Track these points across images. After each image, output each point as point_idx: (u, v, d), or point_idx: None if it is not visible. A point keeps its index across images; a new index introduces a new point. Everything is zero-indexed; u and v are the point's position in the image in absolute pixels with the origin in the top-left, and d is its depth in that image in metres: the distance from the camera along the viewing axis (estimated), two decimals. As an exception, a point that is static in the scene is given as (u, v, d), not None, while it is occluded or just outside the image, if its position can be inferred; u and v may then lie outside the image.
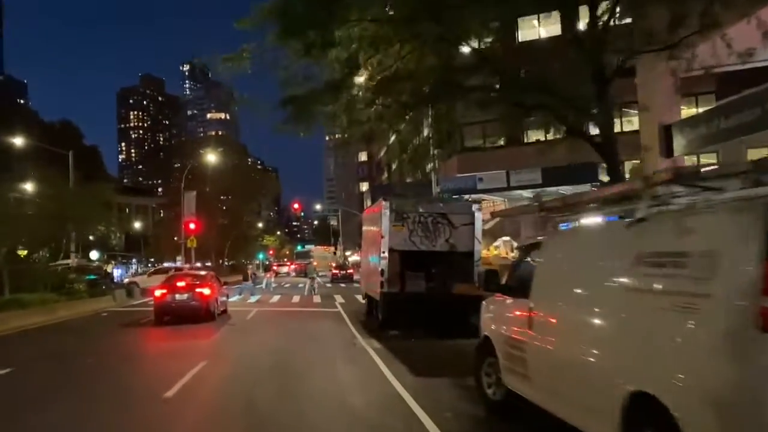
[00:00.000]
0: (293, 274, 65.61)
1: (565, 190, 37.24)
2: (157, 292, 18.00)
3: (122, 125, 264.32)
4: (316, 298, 27.96)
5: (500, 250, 16.27)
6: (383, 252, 14.41)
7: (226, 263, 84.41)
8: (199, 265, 47.56)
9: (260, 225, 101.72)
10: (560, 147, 38.47)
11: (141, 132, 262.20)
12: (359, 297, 27.54)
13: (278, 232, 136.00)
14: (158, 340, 15.15)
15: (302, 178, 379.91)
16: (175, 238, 49.29)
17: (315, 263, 44.17)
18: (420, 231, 14.60)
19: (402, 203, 14.82)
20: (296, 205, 51.24)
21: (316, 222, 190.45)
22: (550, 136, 41.37)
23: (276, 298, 28.88)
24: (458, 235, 14.65)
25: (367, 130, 14.33)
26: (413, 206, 14.59)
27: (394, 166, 71.16)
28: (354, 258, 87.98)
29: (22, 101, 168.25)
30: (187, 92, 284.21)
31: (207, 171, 61.78)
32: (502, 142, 43.28)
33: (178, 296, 17.77)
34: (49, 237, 33.31)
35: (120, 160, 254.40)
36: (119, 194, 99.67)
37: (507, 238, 16.42)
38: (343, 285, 42.30)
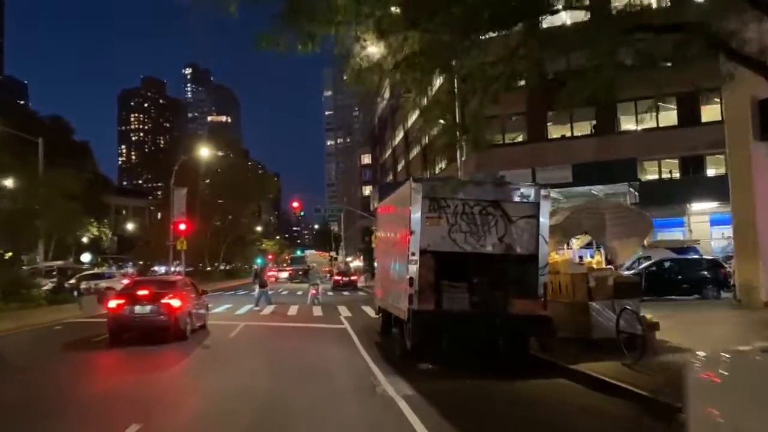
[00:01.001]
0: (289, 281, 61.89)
1: (598, 189, 33.36)
2: (112, 303, 13.93)
3: (123, 127, 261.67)
4: (317, 310, 23.86)
5: (564, 253, 12.13)
6: (412, 254, 10.33)
7: (222, 267, 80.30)
8: (175, 269, 43.42)
9: (259, 228, 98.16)
10: (590, 142, 34.22)
11: (141, 134, 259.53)
12: (367, 309, 23.45)
13: (277, 237, 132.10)
14: (95, 372, 10.95)
15: (303, 183, 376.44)
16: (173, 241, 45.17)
17: (317, 267, 39.99)
18: (464, 225, 10.54)
19: (439, 187, 10.75)
20: (295, 204, 46.48)
21: (316, 226, 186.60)
22: (577, 132, 37.34)
23: (270, 308, 24.77)
24: (516, 232, 10.59)
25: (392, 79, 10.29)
26: (454, 191, 10.51)
27: (400, 167, 67.19)
28: (356, 264, 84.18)
29: (22, 102, 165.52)
30: (189, 95, 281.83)
31: (201, 168, 57.77)
32: (521, 138, 39.23)
33: (138, 308, 13.70)
34: (16, 234, 29.35)
35: (120, 162, 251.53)
36: (116, 195, 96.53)
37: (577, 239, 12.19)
38: (346, 293, 38.23)
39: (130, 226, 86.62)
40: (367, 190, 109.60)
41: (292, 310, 24.00)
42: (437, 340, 10.55)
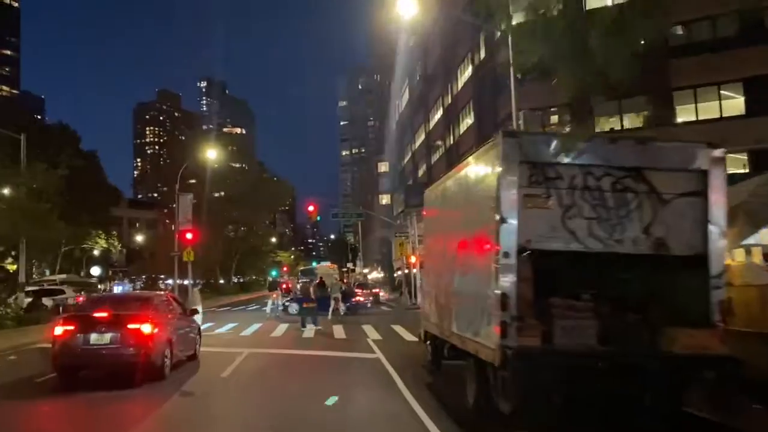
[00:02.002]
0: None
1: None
2: (58, 329, 10.01)
3: (138, 140, 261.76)
4: (338, 329, 19.83)
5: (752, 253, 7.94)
6: (504, 255, 6.30)
7: (236, 280, 76.63)
8: (185, 282, 39.76)
9: (274, 240, 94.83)
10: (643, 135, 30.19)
11: (156, 147, 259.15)
12: (398, 329, 19.39)
13: (293, 248, 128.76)
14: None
15: (318, 195, 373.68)
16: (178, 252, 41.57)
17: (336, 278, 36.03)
18: (587, 208, 6.51)
19: (545, 142, 6.72)
20: (311, 207, 41.26)
21: (332, 236, 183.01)
22: (627, 124, 33.31)
23: (282, 327, 20.84)
24: (672, 219, 6.54)
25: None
26: (572, 150, 6.46)
27: (420, 172, 62.45)
28: (374, 275, 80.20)
29: (38, 116, 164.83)
30: (204, 108, 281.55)
31: (211, 174, 54.13)
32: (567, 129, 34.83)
33: (95, 337, 9.76)
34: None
35: (135, 175, 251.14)
36: (128, 208, 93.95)
37: None
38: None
39: (140, 238, 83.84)
40: (384, 199, 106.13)
41: (309, 329, 20.01)
42: (547, 395, 6.50)
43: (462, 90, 46.75)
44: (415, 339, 16.14)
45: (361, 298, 33.05)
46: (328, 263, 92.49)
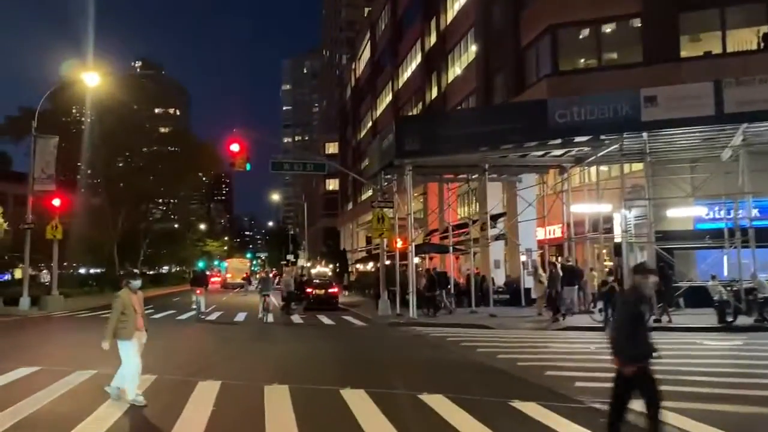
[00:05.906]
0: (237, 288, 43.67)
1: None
2: None
3: (64, 119, 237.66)
4: (281, 407, 7.05)
5: None
6: None
7: (147, 271, 61.80)
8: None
9: (203, 226, 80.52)
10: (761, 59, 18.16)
11: (82, 126, 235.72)
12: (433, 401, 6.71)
13: (226, 238, 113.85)
14: None
15: (258, 182, 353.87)
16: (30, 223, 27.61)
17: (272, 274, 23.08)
18: None
19: None
20: (235, 146, 21.72)
21: (270, 224, 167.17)
22: (732, 47, 21.76)
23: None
24: None
25: None
26: None
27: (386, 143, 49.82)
28: (321, 269, 67.49)
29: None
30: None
31: (92, 107, 39.88)
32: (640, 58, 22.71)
33: None
34: None
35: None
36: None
37: None
38: (325, 318, 21.20)
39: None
40: (331, 184, 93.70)
41: (202, 396, 7.22)
42: None
43: (456, 19, 34.56)
44: None
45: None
46: (234, 258, 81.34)
